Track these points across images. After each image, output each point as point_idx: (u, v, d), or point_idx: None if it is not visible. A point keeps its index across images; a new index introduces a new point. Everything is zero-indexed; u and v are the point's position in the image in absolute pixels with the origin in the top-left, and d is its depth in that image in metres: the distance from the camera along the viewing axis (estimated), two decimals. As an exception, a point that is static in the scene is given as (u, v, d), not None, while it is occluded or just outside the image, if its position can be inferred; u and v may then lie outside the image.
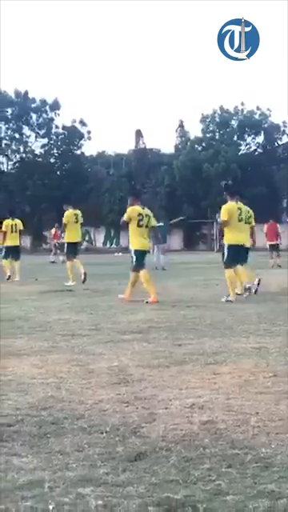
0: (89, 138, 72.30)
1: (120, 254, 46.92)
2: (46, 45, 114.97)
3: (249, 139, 70.78)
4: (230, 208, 13.61)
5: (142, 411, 4.83)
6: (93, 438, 4.22)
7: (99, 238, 67.78)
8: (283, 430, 4.31)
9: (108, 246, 66.44)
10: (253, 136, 70.50)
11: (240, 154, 68.77)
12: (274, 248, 28.79)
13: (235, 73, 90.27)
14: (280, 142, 70.65)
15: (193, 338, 8.18)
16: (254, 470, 3.61)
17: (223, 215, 13.60)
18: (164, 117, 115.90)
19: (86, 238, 67.17)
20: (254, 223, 14.96)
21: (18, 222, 21.61)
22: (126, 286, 13.51)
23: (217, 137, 70.06)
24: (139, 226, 13.58)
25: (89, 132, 72.29)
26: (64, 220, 18.90)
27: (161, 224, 22.94)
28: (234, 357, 6.95)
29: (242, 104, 69.71)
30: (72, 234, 18.94)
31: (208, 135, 70.51)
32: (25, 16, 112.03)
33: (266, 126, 69.42)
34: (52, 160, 72.60)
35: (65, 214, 18.95)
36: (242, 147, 70.77)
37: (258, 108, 69.53)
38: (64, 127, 71.63)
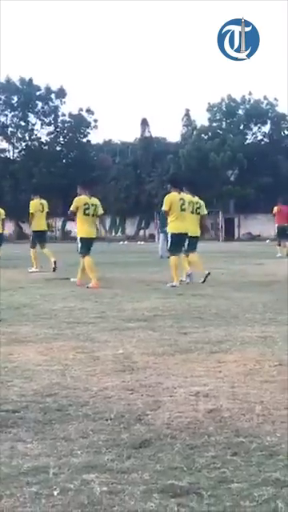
0: (95, 127, 72.32)
1: (126, 242, 46.96)
2: (52, 33, 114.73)
3: (255, 129, 70.75)
4: (172, 198, 14.28)
5: (147, 399, 4.83)
6: (97, 424, 4.22)
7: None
8: (288, 419, 4.30)
9: (113, 234, 66.43)
10: (259, 125, 70.38)
11: (246, 143, 68.68)
12: (283, 233, 27.28)
13: (242, 62, 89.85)
14: (287, 132, 70.50)
15: (198, 327, 8.18)
16: (258, 458, 3.61)
17: (165, 205, 14.32)
18: (170, 105, 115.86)
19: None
20: (205, 212, 15.68)
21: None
22: (131, 273, 13.51)
23: (223, 126, 70.04)
24: (86, 214, 14.41)
25: (95, 120, 72.39)
26: (30, 209, 19.17)
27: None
28: (240, 345, 6.94)
29: (249, 93, 69.67)
30: (38, 223, 19.39)
31: (214, 124, 70.47)
32: (30, 3, 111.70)
33: (272, 115, 69.28)
34: (58, 148, 72.62)
35: (31, 203, 19.30)
36: (249, 136, 70.73)
37: (265, 97, 69.53)
38: (70, 115, 71.61)
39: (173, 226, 14.36)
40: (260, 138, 70.93)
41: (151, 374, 5.66)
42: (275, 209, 28.09)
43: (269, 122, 69.51)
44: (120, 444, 3.84)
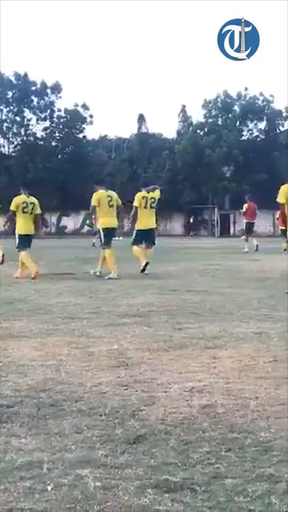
0: (91, 122, 72.17)
1: (121, 238, 46.89)
2: (47, 28, 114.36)
3: (251, 125, 70.60)
4: (100, 195, 15.44)
5: (142, 394, 4.83)
6: (92, 420, 4.22)
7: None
8: (283, 415, 4.30)
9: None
10: (255, 122, 70.30)
11: (242, 139, 68.60)
12: (250, 228, 29.20)
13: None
14: (282, 129, 70.46)
15: (193, 323, 8.18)
16: (253, 453, 3.61)
17: (93, 201, 15.46)
18: (166, 101, 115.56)
19: (87, 222, 67.16)
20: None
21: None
22: (126, 268, 13.52)
23: (219, 122, 69.92)
24: (24, 212, 15.64)
25: (91, 116, 72.14)
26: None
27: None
28: (234, 341, 6.95)
29: (245, 89, 69.56)
30: None
31: (210, 120, 70.35)
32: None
33: (268, 111, 69.21)
34: (53, 143, 72.39)
35: None
36: (245, 133, 70.62)
37: (260, 94, 69.37)
38: (66, 110, 71.43)
39: (102, 222, 15.60)
40: (256, 134, 70.85)
41: (146, 369, 5.66)
42: (245, 206, 29.26)
43: (265, 118, 69.44)
44: (114, 439, 3.84)
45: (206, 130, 69.23)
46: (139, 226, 16.00)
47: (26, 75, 69.94)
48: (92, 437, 3.88)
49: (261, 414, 4.33)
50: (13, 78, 70.14)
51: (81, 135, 72.59)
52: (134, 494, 3.08)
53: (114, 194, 15.76)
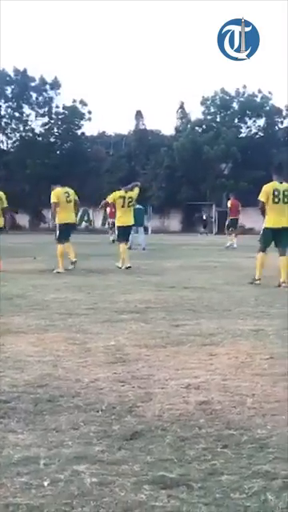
0: (89, 119, 72.10)
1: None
2: (46, 24, 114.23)
3: (250, 122, 70.55)
4: (58, 192, 16.05)
5: (138, 390, 4.84)
6: (88, 416, 4.22)
7: (98, 219, 67.59)
8: (279, 412, 4.31)
9: (106, 226, 66.33)
10: (254, 119, 70.23)
11: (240, 136, 68.55)
12: (234, 225, 30.33)
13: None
14: (281, 126, 70.41)
15: (190, 319, 8.18)
16: (249, 450, 3.62)
17: (52, 198, 16.01)
18: (165, 98, 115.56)
19: (85, 219, 67.10)
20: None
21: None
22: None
23: (217, 119, 69.87)
24: None
25: (89, 112, 72.07)
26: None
27: (139, 207, 24.65)
28: (231, 338, 6.96)
29: (244, 87, 69.50)
30: None
31: (209, 117, 70.33)
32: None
33: (267, 109, 69.16)
34: (52, 139, 72.32)
35: None
36: (243, 130, 70.55)
37: (259, 91, 69.32)
38: (64, 107, 71.37)
39: (61, 217, 16.11)
40: (254, 131, 70.78)
41: (143, 365, 5.67)
42: (229, 203, 30.81)
43: (263, 115, 69.34)
44: (111, 435, 3.85)
45: (204, 127, 69.21)
46: (118, 223, 17.11)
47: (25, 71, 69.88)
48: (89, 433, 3.89)
49: (257, 411, 4.34)
50: (12, 74, 70.10)
51: (79, 131, 72.55)
52: (131, 490, 3.09)
53: (71, 191, 16.37)
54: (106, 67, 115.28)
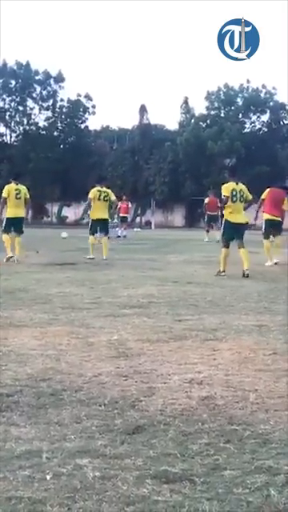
0: (93, 113, 72.06)
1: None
2: (50, 17, 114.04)
3: (254, 117, 70.41)
4: (9, 188, 17.34)
5: (141, 385, 4.83)
6: (91, 410, 4.22)
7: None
8: (282, 407, 4.31)
9: (110, 220, 66.16)
10: (258, 114, 70.10)
11: (244, 132, 68.45)
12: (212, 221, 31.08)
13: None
14: (285, 121, 70.28)
15: (193, 314, 8.18)
16: (252, 445, 3.62)
17: (4, 193, 17.34)
18: (169, 93, 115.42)
19: (88, 212, 67.12)
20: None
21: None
22: (127, 260, 13.52)
23: (221, 114, 69.74)
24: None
25: (93, 106, 72.04)
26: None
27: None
28: (234, 334, 6.95)
29: (248, 82, 69.35)
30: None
31: (213, 112, 70.20)
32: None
33: (271, 104, 69.03)
34: (56, 133, 72.28)
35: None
36: (247, 125, 70.43)
37: (263, 86, 69.17)
38: (69, 101, 71.33)
39: (8, 212, 17.37)
40: (258, 127, 70.65)
41: (145, 360, 5.67)
42: (206, 199, 31.53)
43: (268, 111, 69.20)
44: (113, 430, 3.85)
45: (208, 122, 69.09)
46: (93, 216, 18.33)
47: (28, 64, 69.79)
48: (91, 427, 3.89)
49: (260, 407, 4.33)
50: (15, 67, 69.98)
51: (83, 125, 72.50)
52: (133, 484, 3.09)
53: (24, 188, 17.61)
54: (111, 61, 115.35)
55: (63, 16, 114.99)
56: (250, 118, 70.40)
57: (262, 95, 69.11)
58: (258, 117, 70.22)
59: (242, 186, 14.07)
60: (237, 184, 14.02)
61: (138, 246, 25.42)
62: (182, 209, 68.89)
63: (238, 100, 69.79)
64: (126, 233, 35.87)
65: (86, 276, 12.88)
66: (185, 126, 69.37)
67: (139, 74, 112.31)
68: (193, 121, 69.56)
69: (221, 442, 3.66)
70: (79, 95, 71.26)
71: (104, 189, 18.28)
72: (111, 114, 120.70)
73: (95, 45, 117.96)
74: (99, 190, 18.12)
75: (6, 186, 17.50)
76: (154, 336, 6.73)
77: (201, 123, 69.18)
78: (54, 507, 2.85)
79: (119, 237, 34.28)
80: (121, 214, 37.45)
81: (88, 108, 71.80)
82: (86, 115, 72.01)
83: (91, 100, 71.69)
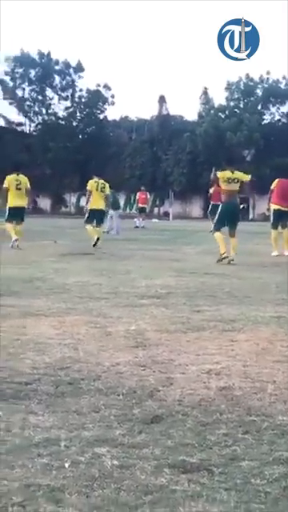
0: (112, 103, 72.06)
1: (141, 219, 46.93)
2: (71, 8, 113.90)
3: (273, 109, 70.19)
4: (9, 179, 18.14)
5: (159, 375, 4.83)
6: (109, 399, 4.22)
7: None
8: (300, 399, 4.29)
9: (128, 211, 66.29)
10: (277, 106, 69.83)
11: (263, 123, 68.22)
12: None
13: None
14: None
15: (211, 305, 8.16)
16: (270, 436, 3.61)
17: (5, 184, 18.17)
18: (188, 83, 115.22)
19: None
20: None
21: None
22: (145, 250, 13.52)
23: (241, 105, 69.60)
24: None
25: (112, 96, 72.10)
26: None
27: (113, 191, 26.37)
28: (252, 325, 6.93)
29: (268, 73, 69.07)
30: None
31: (232, 103, 70.07)
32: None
33: (291, 95, 68.76)
34: (75, 123, 72.43)
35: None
36: (266, 116, 70.27)
37: (283, 77, 68.90)
38: (88, 90, 71.33)
39: (10, 201, 18.08)
40: (278, 118, 70.38)
41: (163, 350, 5.66)
42: (211, 190, 30.84)
43: (287, 102, 68.90)
44: (131, 419, 3.85)
45: (227, 112, 68.97)
46: (90, 206, 19.07)
47: (49, 54, 69.85)
48: (109, 416, 3.89)
49: (278, 398, 4.32)
50: (36, 57, 70.03)
51: (102, 115, 72.55)
52: (151, 473, 3.09)
53: (24, 178, 18.37)
54: (130, 52, 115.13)
55: (83, 7, 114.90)
56: (270, 110, 70.20)
57: (282, 86, 68.83)
58: (278, 108, 70.02)
59: (237, 175, 14.71)
60: (233, 173, 14.64)
61: (156, 236, 25.40)
62: (200, 200, 68.73)
63: (258, 91, 69.56)
64: (144, 223, 35.95)
65: (104, 266, 12.89)
66: (204, 117, 69.31)
67: (159, 64, 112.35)
68: (212, 112, 69.42)
69: (239, 433, 3.65)
70: (98, 85, 71.38)
71: (101, 180, 19.11)
72: (130, 104, 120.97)
73: (115, 35, 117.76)
74: (96, 182, 19.01)
75: (7, 177, 18.31)
76: (171, 326, 6.73)
77: (220, 114, 69.05)
78: (72, 495, 2.86)
79: (137, 227, 34.38)
80: (139, 205, 37.61)
81: (107, 98, 71.87)
82: (105, 105, 72.15)
83: (110, 90, 71.82)
